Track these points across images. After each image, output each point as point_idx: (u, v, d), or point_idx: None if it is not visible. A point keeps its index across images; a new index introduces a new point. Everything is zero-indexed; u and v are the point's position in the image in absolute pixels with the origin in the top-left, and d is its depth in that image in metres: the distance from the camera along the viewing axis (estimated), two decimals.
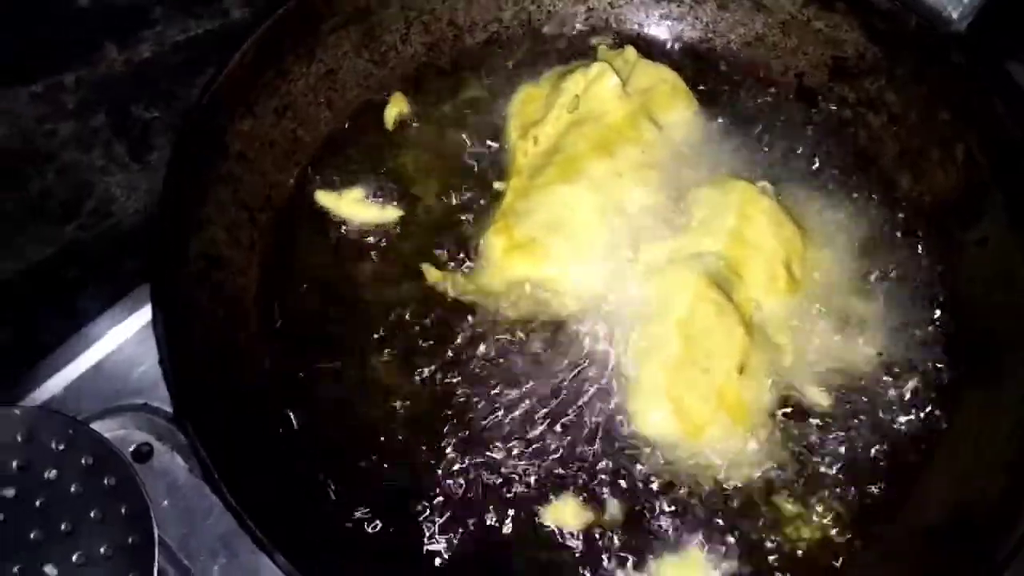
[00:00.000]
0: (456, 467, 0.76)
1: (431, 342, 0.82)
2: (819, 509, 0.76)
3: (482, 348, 0.81)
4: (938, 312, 0.85)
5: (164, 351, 0.67)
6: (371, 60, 0.95)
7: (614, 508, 0.75)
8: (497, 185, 0.91)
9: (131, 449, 0.85)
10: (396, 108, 0.95)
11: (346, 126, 0.94)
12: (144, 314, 0.91)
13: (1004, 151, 0.81)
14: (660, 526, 0.74)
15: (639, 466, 0.76)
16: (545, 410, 0.78)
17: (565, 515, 0.75)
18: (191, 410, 0.66)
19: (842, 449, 0.78)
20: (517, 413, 0.78)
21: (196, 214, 0.79)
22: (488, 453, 0.77)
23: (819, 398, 0.80)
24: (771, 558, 0.74)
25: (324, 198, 0.90)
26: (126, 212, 1.08)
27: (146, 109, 1.09)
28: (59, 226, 1.04)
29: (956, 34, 0.92)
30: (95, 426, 0.84)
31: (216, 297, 0.79)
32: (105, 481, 0.77)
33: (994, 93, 0.81)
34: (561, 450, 0.77)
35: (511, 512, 0.74)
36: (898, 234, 0.89)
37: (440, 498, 0.75)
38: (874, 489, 0.77)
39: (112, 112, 1.07)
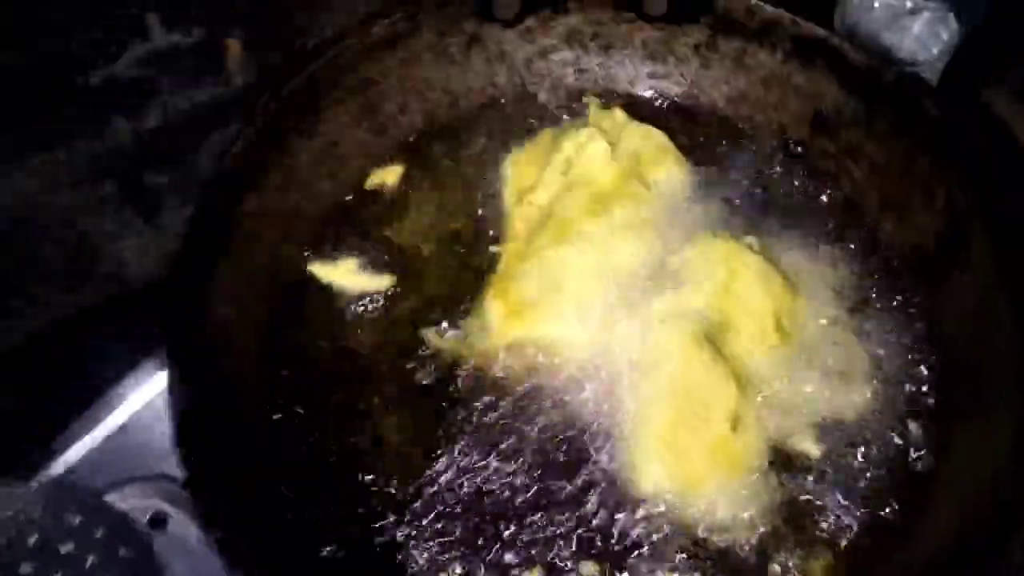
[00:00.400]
0: (452, 520, 0.78)
1: (432, 407, 0.84)
2: (816, 559, 0.77)
3: (480, 410, 0.83)
4: (926, 355, 0.86)
5: (178, 427, 0.70)
6: (370, 131, 0.98)
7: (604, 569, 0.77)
8: (493, 248, 0.94)
9: (147, 517, 0.87)
10: (392, 176, 0.98)
11: (348, 196, 0.97)
12: (157, 383, 0.94)
13: (983, 192, 0.83)
14: None
15: (635, 525, 0.78)
16: (541, 470, 0.80)
17: None
18: (203, 483, 0.68)
19: (837, 495, 0.80)
20: (515, 474, 0.80)
21: (207, 289, 0.81)
22: (486, 517, 0.78)
23: (812, 447, 0.82)
24: None
25: (319, 269, 0.92)
26: (138, 274, 1.11)
27: (154, 175, 1.12)
28: (71, 293, 1.07)
29: (930, 85, 0.95)
30: (111, 497, 0.86)
31: (224, 368, 0.81)
32: (121, 553, 0.79)
33: (971, 140, 0.84)
34: (557, 509, 0.79)
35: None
36: (885, 280, 0.91)
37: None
38: (870, 536, 0.78)
39: (121, 179, 1.10)
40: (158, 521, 0.87)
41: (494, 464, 0.81)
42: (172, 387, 0.71)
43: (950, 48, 1.13)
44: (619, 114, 1.00)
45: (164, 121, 1.13)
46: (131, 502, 0.88)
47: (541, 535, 0.78)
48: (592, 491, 0.79)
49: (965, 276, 0.86)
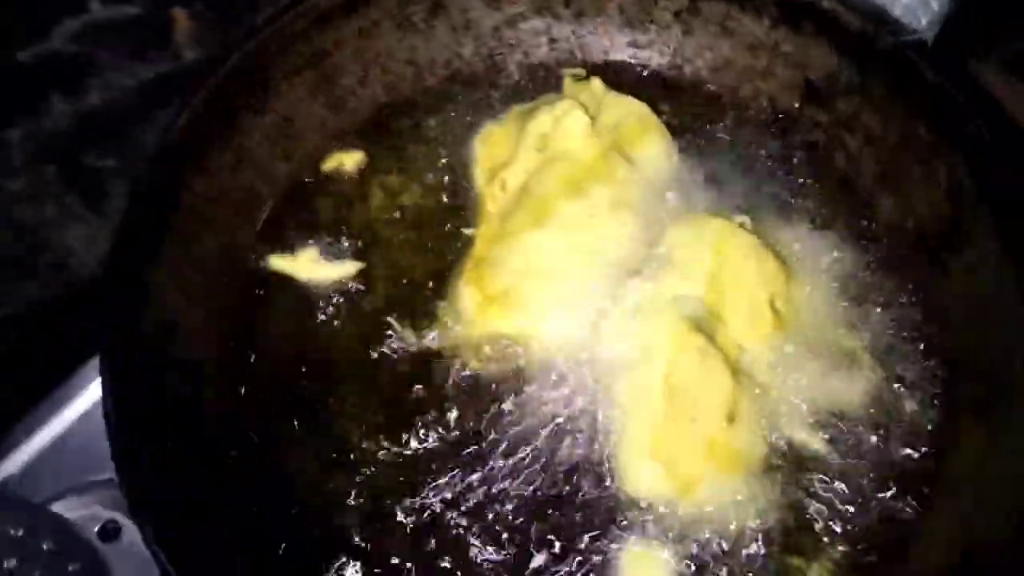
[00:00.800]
0: (431, 531, 0.73)
1: (404, 404, 0.79)
2: (820, 559, 0.73)
3: (455, 406, 0.78)
4: (928, 345, 0.82)
5: (115, 438, 0.63)
6: (328, 106, 0.92)
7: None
8: (466, 231, 0.88)
9: (97, 528, 0.82)
10: (350, 161, 0.92)
11: (307, 178, 0.91)
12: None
13: (991, 174, 0.79)
14: None
15: (628, 528, 0.73)
16: (525, 471, 0.75)
17: None
18: (144, 501, 0.62)
19: (841, 492, 0.75)
20: (493, 478, 0.75)
21: (148, 279, 0.75)
22: (462, 518, 0.74)
23: (813, 442, 0.78)
24: None
25: (277, 262, 0.86)
26: (86, 265, 1.04)
27: (98, 158, 1.06)
28: (11, 287, 1.00)
29: (929, 50, 0.90)
30: (57, 507, 0.81)
31: (173, 366, 0.75)
32: (70, 567, 0.75)
33: (975, 115, 0.79)
34: (542, 512, 0.74)
35: None
36: (883, 262, 0.87)
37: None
38: (876, 534, 0.74)
39: (63, 163, 1.03)
40: (109, 531, 0.81)
41: (470, 467, 0.75)
42: (105, 389, 0.65)
43: (940, 18, 1.09)
44: (597, 85, 0.95)
45: (107, 99, 1.06)
46: (78, 512, 0.84)
47: (521, 540, 0.73)
48: (581, 494, 0.75)
49: (969, 258, 0.82)
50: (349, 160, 0.91)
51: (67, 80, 1.04)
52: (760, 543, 0.73)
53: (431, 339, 0.82)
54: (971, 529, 0.70)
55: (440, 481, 0.75)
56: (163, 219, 0.77)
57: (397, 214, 0.89)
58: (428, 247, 0.87)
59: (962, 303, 0.81)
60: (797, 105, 0.94)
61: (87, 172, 1.05)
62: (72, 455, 0.85)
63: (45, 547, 0.74)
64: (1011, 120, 0.97)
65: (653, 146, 0.90)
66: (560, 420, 0.77)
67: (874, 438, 0.78)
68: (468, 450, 0.76)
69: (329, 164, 0.92)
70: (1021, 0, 1.05)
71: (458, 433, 0.77)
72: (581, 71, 0.98)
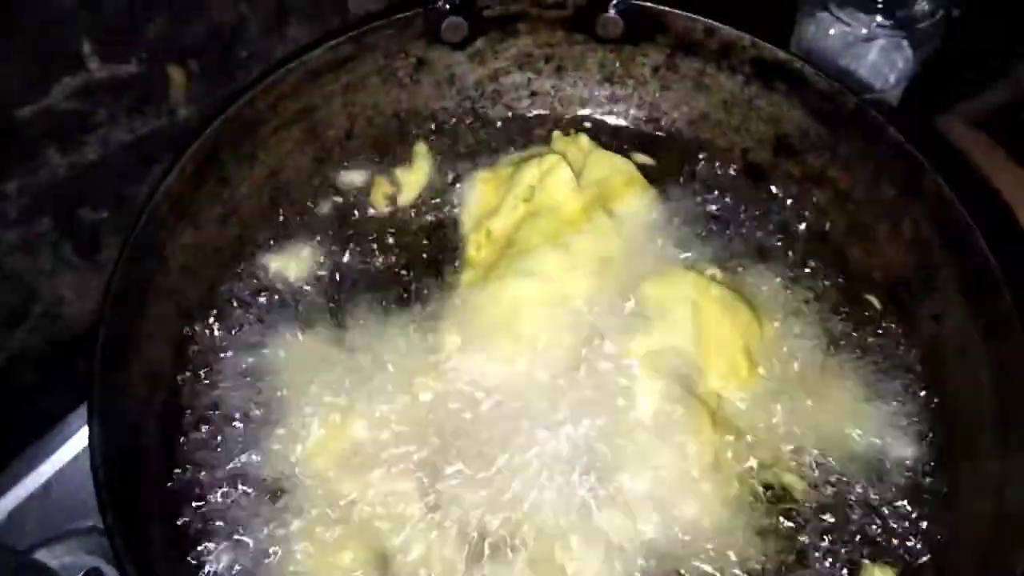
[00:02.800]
0: None
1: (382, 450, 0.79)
2: None
3: (433, 455, 0.79)
4: (904, 387, 0.84)
5: (102, 487, 0.64)
6: (316, 158, 0.94)
7: None
8: (450, 278, 0.90)
9: (81, 575, 0.82)
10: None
11: (294, 222, 0.93)
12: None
13: (950, 228, 0.81)
14: None
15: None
16: (502, 531, 0.75)
17: None
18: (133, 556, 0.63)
19: (826, 539, 0.77)
20: (467, 535, 0.75)
21: (136, 333, 0.76)
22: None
23: (797, 485, 0.79)
24: None
25: None
26: (78, 315, 1.06)
27: (94, 210, 1.08)
28: (4, 335, 1.01)
29: (891, 108, 0.93)
30: (41, 554, 0.81)
31: (160, 418, 0.77)
32: None
33: (934, 171, 0.82)
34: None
35: None
36: (858, 310, 0.89)
37: None
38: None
39: (58, 216, 1.05)
40: None
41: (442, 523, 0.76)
42: (92, 440, 0.66)
43: (906, 76, 1.13)
44: (584, 141, 0.97)
45: (103, 154, 1.08)
46: (62, 559, 0.84)
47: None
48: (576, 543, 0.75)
49: (935, 306, 0.84)
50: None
51: (65, 136, 1.06)
52: None
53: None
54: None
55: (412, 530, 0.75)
56: (150, 273, 0.78)
57: (383, 259, 0.91)
58: (413, 291, 0.88)
59: (929, 349, 0.84)
60: (770, 159, 0.97)
61: (82, 224, 1.07)
62: (57, 503, 0.86)
63: None
64: (977, 173, 1.00)
65: (635, 201, 0.92)
66: (537, 471, 0.78)
67: (858, 482, 0.79)
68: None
69: (316, 211, 0.94)
70: (983, 56, 1.08)
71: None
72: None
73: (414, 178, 0.96)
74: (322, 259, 0.91)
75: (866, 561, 0.76)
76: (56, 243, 1.06)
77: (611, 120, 1.02)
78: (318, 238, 0.92)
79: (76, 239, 1.07)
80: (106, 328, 0.71)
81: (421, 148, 0.98)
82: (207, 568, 0.73)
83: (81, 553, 0.83)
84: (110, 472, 0.65)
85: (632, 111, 1.02)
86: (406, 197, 0.95)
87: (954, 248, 0.81)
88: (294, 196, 0.93)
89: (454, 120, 1.01)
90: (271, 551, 0.75)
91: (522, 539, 0.75)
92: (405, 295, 0.89)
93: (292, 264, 0.90)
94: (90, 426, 0.66)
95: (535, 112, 1.02)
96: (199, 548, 0.74)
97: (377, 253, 0.92)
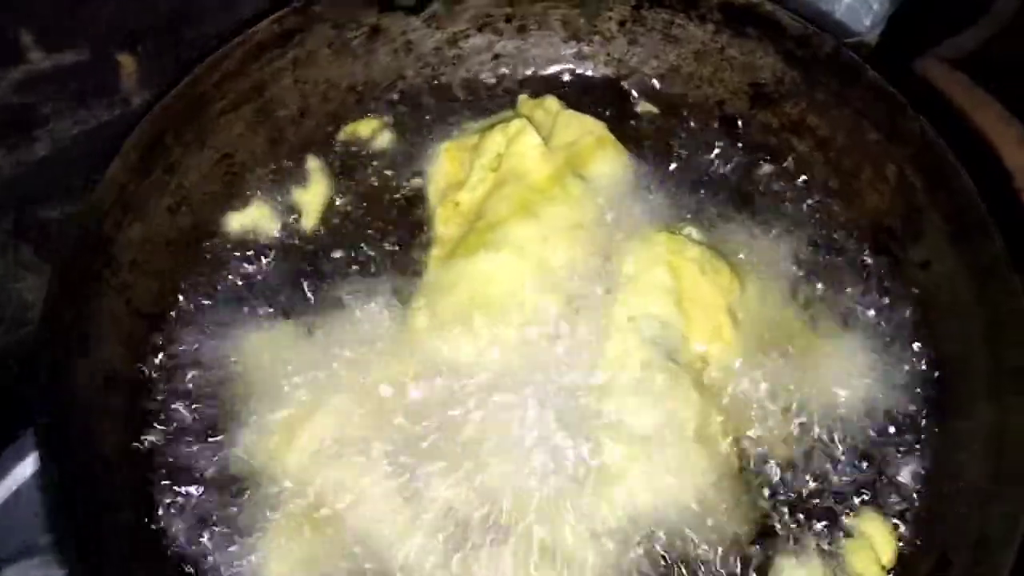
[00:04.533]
0: None
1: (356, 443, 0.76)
2: (797, 568, 0.73)
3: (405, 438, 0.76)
4: (892, 338, 0.82)
5: (56, 512, 0.62)
6: (269, 138, 0.90)
7: None
8: (418, 255, 0.86)
9: None
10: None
11: (250, 208, 0.89)
12: None
13: (935, 171, 0.78)
14: None
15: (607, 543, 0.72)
16: (483, 516, 0.73)
17: None
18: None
19: (819, 499, 0.76)
20: (446, 522, 0.73)
21: (85, 335, 0.73)
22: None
23: (783, 449, 0.77)
24: None
25: None
26: None
27: (49, 209, 1.05)
28: None
29: (870, 51, 0.89)
30: (10, 571, 0.79)
31: (120, 421, 0.74)
32: None
33: (916, 112, 0.79)
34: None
35: None
36: (840, 262, 0.86)
37: None
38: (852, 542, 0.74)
39: (10, 217, 1.02)
40: None
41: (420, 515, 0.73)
42: (40, 447, 0.63)
43: (882, 19, 1.09)
44: (552, 102, 0.93)
45: (53, 149, 1.04)
46: (32, 574, 0.80)
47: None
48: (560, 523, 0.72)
49: (921, 252, 0.82)
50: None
51: (11, 132, 1.03)
52: (735, 549, 0.73)
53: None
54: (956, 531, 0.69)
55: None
56: (97, 271, 0.75)
57: (348, 238, 0.87)
58: (382, 272, 0.85)
59: (918, 298, 0.82)
60: (746, 110, 0.93)
61: (38, 224, 1.04)
62: (25, 515, 0.83)
63: None
64: (959, 114, 0.96)
65: (608, 163, 0.88)
66: (519, 449, 0.75)
67: (847, 436, 0.77)
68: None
69: (274, 194, 0.90)
70: None
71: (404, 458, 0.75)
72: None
73: (308, 199, 0.91)
74: (282, 245, 0.87)
75: (860, 516, 0.75)
76: (14, 246, 1.03)
77: (579, 79, 0.98)
78: (278, 224, 0.88)
79: (34, 241, 1.04)
80: (50, 332, 0.68)
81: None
82: (180, 567, 0.71)
83: (52, 568, 0.80)
84: (59, 495, 0.62)
85: (600, 68, 0.98)
86: (306, 222, 0.90)
87: (940, 190, 0.78)
88: (249, 180, 0.89)
89: (414, 90, 0.96)
90: (241, 548, 0.72)
91: (504, 523, 0.73)
92: (372, 275, 0.85)
93: (251, 252, 0.86)
94: (38, 442, 0.63)
95: (499, 76, 0.98)
96: (168, 546, 0.72)
97: (341, 235, 0.88)
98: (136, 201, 0.79)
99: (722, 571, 0.72)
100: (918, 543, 0.74)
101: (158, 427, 0.77)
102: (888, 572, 0.73)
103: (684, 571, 0.72)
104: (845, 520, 0.75)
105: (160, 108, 0.79)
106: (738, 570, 0.73)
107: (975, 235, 0.75)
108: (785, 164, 0.91)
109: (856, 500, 0.75)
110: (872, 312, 0.83)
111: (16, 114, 1.03)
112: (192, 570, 0.72)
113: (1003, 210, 0.74)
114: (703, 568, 0.72)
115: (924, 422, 0.78)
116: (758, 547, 0.73)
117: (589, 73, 0.98)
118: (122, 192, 0.77)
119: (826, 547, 0.74)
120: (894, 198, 0.83)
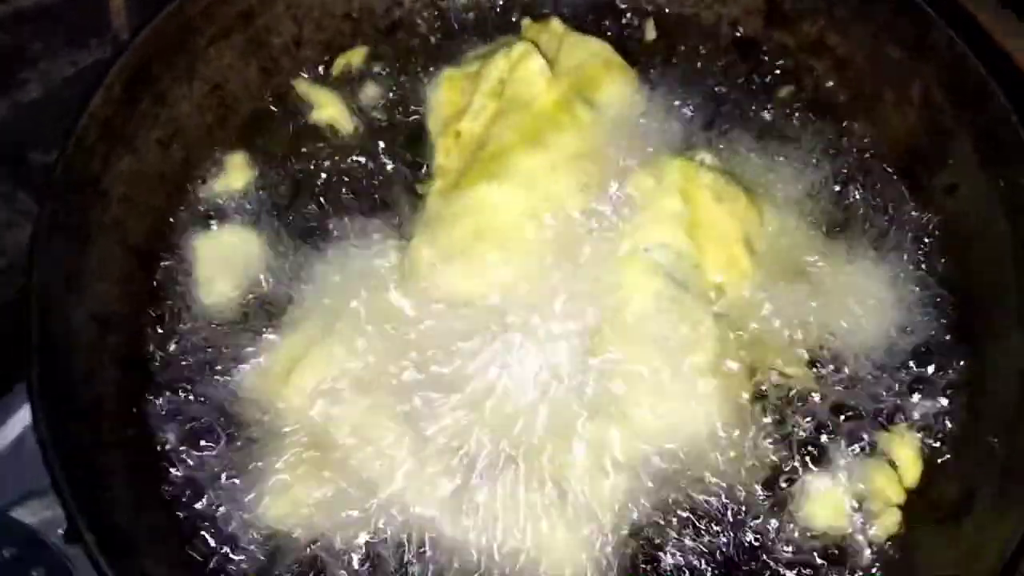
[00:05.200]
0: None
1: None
2: (816, 500, 0.72)
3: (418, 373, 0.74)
4: (917, 265, 0.79)
5: (53, 462, 0.61)
6: (262, 68, 0.86)
7: None
8: (420, 188, 0.83)
9: (61, 531, 0.78)
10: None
11: (246, 140, 0.86)
12: None
13: (964, 86, 0.75)
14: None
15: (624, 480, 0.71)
16: (503, 450, 0.71)
17: None
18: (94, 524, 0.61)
19: (845, 421, 0.74)
20: (461, 460, 0.71)
21: (77, 274, 0.71)
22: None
23: (803, 376, 0.75)
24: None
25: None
26: None
27: (44, 152, 1.02)
28: None
29: None
30: (19, 512, 0.78)
31: (115, 362, 0.72)
32: (32, 573, 0.73)
33: (947, 26, 0.75)
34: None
35: None
36: (860, 187, 0.83)
37: None
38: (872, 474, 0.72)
39: (6, 162, 0.99)
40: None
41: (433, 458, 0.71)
42: (34, 397, 0.61)
43: None
44: (556, 25, 0.89)
45: (45, 91, 1.01)
46: (41, 515, 0.80)
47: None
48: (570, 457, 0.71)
49: (948, 176, 0.79)
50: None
51: (1, 73, 1.00)
52: (754, 480, 0.72)
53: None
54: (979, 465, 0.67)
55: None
56: (85, 207, 0.72)
57: (347, 173, 0.84)
58: (382, 206, 0.82)
59: (944, 224, 0.79)
60: (761, 30, 0.89)
61: (35, 169, 1.01)
62: (32, 457, 0.82)
63: (7, 554, 0.72)
64: (982, 31, 0.91)
65: (616, 87, 0.85)
66: (530, 383, 0.73)
67: (867, 364, 0.76)
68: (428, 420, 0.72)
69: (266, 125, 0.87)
70: None
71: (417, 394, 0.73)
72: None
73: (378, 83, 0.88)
74: (283, 180, 0.85)
75: (887, 437, 0.73)
76: (10, 193, 1.00)
77: (585, 1, 0.93)
78: (277, 157, 0.85)
79: (30, 186, 1.01)
80: (39, 271, 0.66)
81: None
82: (185, 511, 0.71)
83: (60, 507, 0.80)
84: (55, 431, 0.61)
85: None
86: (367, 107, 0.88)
87: (969, 109, 0.75)
88: (243, 112, 0.86)
89: (412, 16, 0.92)
90: (250, 487, 0.71)
91: (513, 455, 0.71)
92: (372, 210, 0.82)
93: (249, 187, 0.84)
94: (29, 388, 0.61)
95: None
96: (177, 493, 0.72)
97: (341, 169, 0.85)
98: (124, 133, 0.76)
99: (741, 490, 0.71)
100: (943, 469, 0.72)
101: (156, 367, 0.75)
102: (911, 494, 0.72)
103: (703, 494, 0.71)
104: (869, 440, 0.73)
105: (144, 37, 0.76)
106: (759, 490, 0.72)
107: (1007, 156, 0.71)
108: (803, 86, 0.88)
109: (882, 422, 0.74)
110: (896, 238, 0.81)
111: (5, 54, 0.99)
112: (191, 512, 0.71)
113: None
114: (725, 490, 0.71)
115: (951, 350, 0.76)
116: (782, 468, 0.72)
117: None
118: (108, 124, 0.74)
119: (851, 465, 0.72)
120: (919, 119, 0.80)
